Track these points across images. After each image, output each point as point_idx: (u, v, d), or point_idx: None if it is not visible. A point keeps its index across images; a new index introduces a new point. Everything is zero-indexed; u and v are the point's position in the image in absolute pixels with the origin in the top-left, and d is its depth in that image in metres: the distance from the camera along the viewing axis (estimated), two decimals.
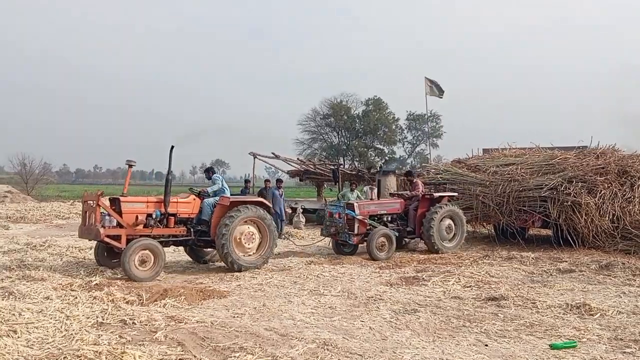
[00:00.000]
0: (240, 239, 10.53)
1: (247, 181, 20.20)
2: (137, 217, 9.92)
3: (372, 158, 67.54)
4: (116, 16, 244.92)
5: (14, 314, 6.55)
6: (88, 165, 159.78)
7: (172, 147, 10.44)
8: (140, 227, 9.99)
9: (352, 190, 16.30)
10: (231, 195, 11.26)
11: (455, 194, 14.93)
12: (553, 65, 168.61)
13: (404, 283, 9.50)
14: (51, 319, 6.53)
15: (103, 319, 6.68)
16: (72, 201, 33.38)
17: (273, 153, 24.42)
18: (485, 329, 6.58)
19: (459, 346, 5.94)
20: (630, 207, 13.98)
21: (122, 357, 5.17)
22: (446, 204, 13.62)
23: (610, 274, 10.23)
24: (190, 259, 11.80)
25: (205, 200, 10.89)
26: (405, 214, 13.84)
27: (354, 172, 25.26)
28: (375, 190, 16.54)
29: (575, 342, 6.02)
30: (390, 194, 15.85)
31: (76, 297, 7.67)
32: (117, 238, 9.77)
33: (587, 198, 13.32)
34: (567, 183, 13.64)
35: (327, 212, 13.75)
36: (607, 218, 13.57)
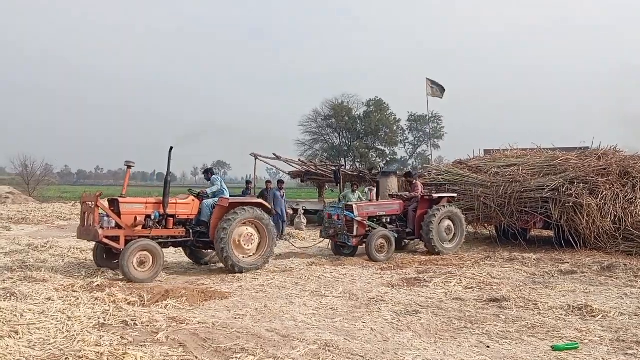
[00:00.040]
0: (239, 240, 10.52)
1: (248, 182, 20.21)
2: (135, 218, 9.91)
3: (374, 159, 67.50)
4: (116, 16, 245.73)
5: (15, 315, 6.55)
6: (89, 167, 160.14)
7: (171, 148, 10.45)
8: (139, 228, 9.98)
9: (353, 191, 16.30)
10: (231, 196, 11.27)
11: (455, 195, 14.92)
12: (553, 65, 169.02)
13: (405, 284, 9.50)
14: (53, 319, 6.53)
15: (105, 320, 6.68)
16: (73, 202, 33.38)
17: (274, 154, 24.41)
18: (487, 331, 6.57)
19: (461, 347, 5.94)
20: (632, 208, 13.97)
21: (124, 358, 5.18)
22: (445, 205, 13.60)
23: (612, 276, 10.22)
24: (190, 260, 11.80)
25: (204, 201, 10.89)
26: (405, 215, 13.82)
27: (355, 173, 25.27)
28: (374, 191, 16.51)
29: (577, 343, 6.01)
30: (389, 195, 15.83)
31: (78, 298, 7.66)
32: (115, 239, 9.75)
33: (588, 199, 13.31)
34: (569, 184, 13.62)
35: (326, 213, 13.75)
36: (608, 219, 13.55)
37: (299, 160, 28.58)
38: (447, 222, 13.54)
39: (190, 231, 10.64)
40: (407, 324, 6.91)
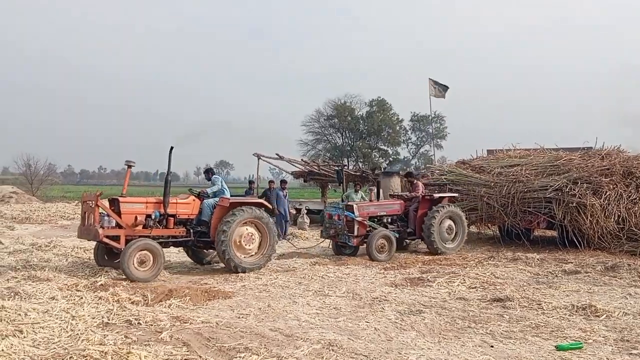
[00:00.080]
0: (240, 241, 10.51)
1: (251, 182, 20.24)
2: (136, 217, 9.91)
3: (377, 159, 67.49)
4: (116, 16, 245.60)
5: (19, 314, 6.57)
6: (92, 166, 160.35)
7: (172, 147, 10.45)
8: (140, 227, 9.98)
9: (356, 191, 16.29)
10: (232, 196, 11.27)
11: (456, 194, 14.90)
12: (553, 65, 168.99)
13: (408, 284, 9.49)
14: (57, 319, 6.54)
15: (108, 319, 6.69)
16: (76, 202, 33.44)
17: (277, 154, 24.42)
18: (490, 330, 6.57)
19: (465, 347, 5.93)
20: (636, 208, 13.96)
21: (128, 357, 5.18)
22: (446, 205, 13.57)
23: (616, 275, 10.20)
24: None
25: (205, 201, 10.89)
26: (406, 215, 13.81)
27: (358, 173, 25.27)
28: (374, 191, 16.47)
29: (581, 343, 6.00)
30: (390, 195, 15.82)
31: (82, 298, 7.68)
32: (116, 239, 9.75)
33: (592, 199, 13.29)
34: (572, 184, 13.60)
35: (326, 213, 13.74)
36: (612, 219, 13.53)
37: (302, 160, 28.61)
38: (448, 222, 13.52)
39: (191, 231, 10.62)
40: (411, 323, 6.91)
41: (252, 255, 10.75)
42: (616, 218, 13.61)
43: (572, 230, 13.58)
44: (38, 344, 5.66)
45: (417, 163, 69.07)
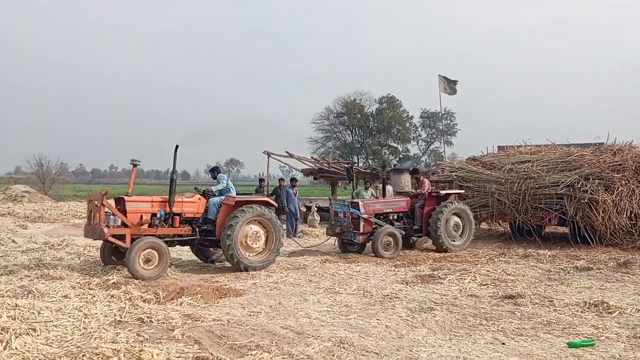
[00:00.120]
0: (246, 239, 10.49)
1: (261, 180, 20.27)
2: (141, 216, 9.93)
3: (386, 156, 67.39)
4: (116, 16, 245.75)
5: (33, 313, 6.63)
6: (104, 165, 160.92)
7: (177, 146, 10.45)
8: (145, 226, 9.99)
9: (366, 188, 16.26)
10: (239, 194, 11.28)
11: (463, 191, 14.84)
12: (557, 65, 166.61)
13: (419, 281, 9.48)
14: (70, 317, 6.59)
15: (121, 317, 6.74)
16: None
17: (287, 152, 24.45)
18: (502, 327, 6.55)
19: (476, 344, 5.92)
20: None
21: (140, 355, 5.22)
22: (453, 202, 13.51)
23: (629, 272, 10.14)
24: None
25: (210, 199, 10.89)
26: (412, 212, 13.76)
27: (368, 171, 25.24)
28: (380, 188, 16.43)
29: (594, 340, 5.97)
30: (396, 192, 15.78)
31: (94, 296, 7.73)
32: (121, 238, 9.78)
33: (604, 195, 13.21)
34: (584, 180, 13.52)
35: (332, 211, 13.73)
36: (624, 215, 13.45)
37: (312, 157, 28.57)
38: (455, 219, 13.46)
39: (197, 230, 10.63)
40: (422, 321, 6.90)
41: (258, 253, 10.74)
42: (628, 214, 13.53)
43: (584, 226, 13.51)
44: (51, 342, 5.71)
45: (427, 160, 68.92)
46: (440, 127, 65.33)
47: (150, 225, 10.09)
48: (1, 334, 5.67)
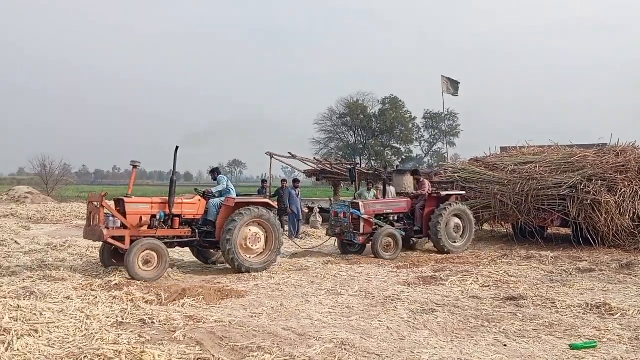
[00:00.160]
0: (245, 242, 10.46)
1: (264, 181, 20.27)
2: (141, 218, 9.91)
3: (389, 157, 67.37)
4: (116, 16, 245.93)
5: (35, 314, 6.65)
6: (107, 166, 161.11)
7: (177, 147, 10.43)
8: (145, 228, 9.97)
9: (369, 189, 16.23)
10: (240, 195, 11.27)
11: (463, 192, 14.82)
12: (558, 65, 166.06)
13: (421, 283, 9.47)
14: (72, 318, 6.61)
15: (123, 319, 6.74)
16: None
17: (290, 153, 24.45)
18: (504, 329, 6.54)
19: (478, 346, 5.92)
20: None
21: (142, 356, 5.23)
22: (454, 203, 13.47)
23: (631, 273, 10.12)
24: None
25: (210, 201, 10.88)
26: (413, 213, 13.74)
27: (370, 172, 25.23)
28: (380, 189, 16.41)
29: (596, 342, 5.96)
30: (397, 193, 15.76)
31: (96, 297, 7.74)
32: (120, 239, 9.76)
33: (607, 196, 13.17)
34: (587, 181, 13.49)
35: (332, 211, 13.72)
36: (627, 216, 13.41)
37: (314, 158, 28.58)
38: (456, 220, 13.41)
39: (197, 231, 10.61)
40: (424, 322, 6.89)
41: (259, 254, 10.72)
42: (631, 215, 13.49)
43: (587, 227, 13.47)
44: (53, 344, 5.72)
45: (430, 161, 68.88)
46: (443, 128, 65.31)
47: (149, 227, 10.06)
48: (3, 335, 5.69)
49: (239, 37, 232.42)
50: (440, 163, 32.19)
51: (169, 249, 10.09)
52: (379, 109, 70.85)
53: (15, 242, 14.60)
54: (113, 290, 8.21)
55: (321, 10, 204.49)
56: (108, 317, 6.76)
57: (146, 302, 7.66)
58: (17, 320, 6.31)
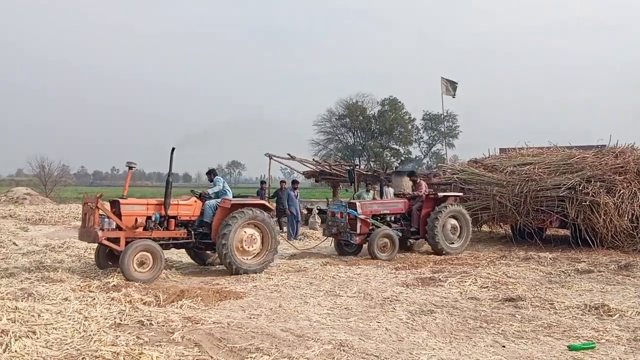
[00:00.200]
0: (241, 244, 10.43)
1: (262, 182, 20.28)
2: (136, 219, 9.88)
3: (388, 158, 67.41)
4: (116, 16, 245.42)
5: (33, 315, 6.64)
6: (106, 167, 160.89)
7: (173, 149, 10.42)
8: (140, 229, 9.94)
9: (368, 190, 16.24)
10: (236, 196, 11.26)
11: (461, 194, 14.82)
12: (558, 65, 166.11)
13: (420, 284, 9.47)
14: (70, 320, 6.60)
15: (121, 320, 6.73)
16: None
17: (289, 154, 24.46)
18: (502, 330, 6.54)
19: (476, 347, 5.91)
20: None
21: (140, 357, 5.22)
22: (451, 204, 13.45)
23: (630, 275, 10.12)
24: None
25: (206, 202, 10.84)
26: (410, 214, 13.72)
27: (369, 173, 25.24)
28: (378, 190, 16.40)
29: (594, 343, 5.96)
30: (394, 194, 15.77)
31: (94, 298, 7.74)
32: (115, 241, 9.72)
33: (605, 198, 13.18)
34: (586, 182, 13.49)
35: (329, 211, 13.70)
36: (626, 218, 13.42)
37: (313, 160, 28.60)
38: (453, 222, 13.38)
39: (192, 232, 10.59)
40: (422, 323, 6.89)
41: (255, 255, 10.69)
42: (630, 217, 13.49)
43: (585, 229, 13.48)
44: (51, 345, 5.71)
45: (429, 162, 68.95)
46: (442, 129, 65.38)
47: (145, 228, 10.03)
48: (1, 336, 5.68)
49: (239, 37, 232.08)
50: (439, 164, 32.23)
51: (164, 251, 10.07)
52: (378, 110, 71.00)
53: (14, 243, 14.58)
54: (111, 292, 8.20)
55: (321, 10, 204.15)
56: (106, 319, 6.75)
57: (144, 303, 7.65)
58: (15, 322, 6.30)
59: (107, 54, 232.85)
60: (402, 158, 67.89)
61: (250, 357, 5.43)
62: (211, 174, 11.58)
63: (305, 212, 20.60)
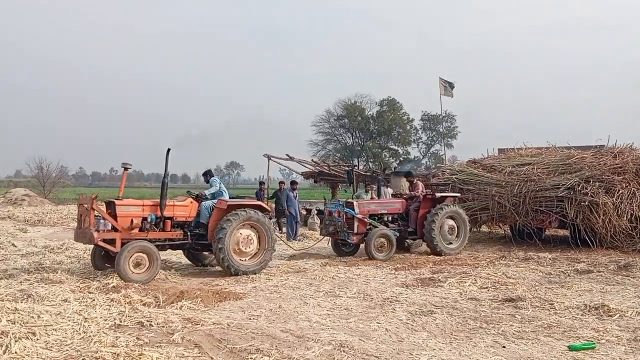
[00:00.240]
0: (238, 246, 10.41)
1: (261, 183, 20.27)
2: (132, 220, 9.86)
3: (387, 159, 67.45)
4: (116, 16, 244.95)
5: (32, 317, 6.63)
6: (104, 168, 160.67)
7: (169, 149, 10.39)
8: (136, 230, 9.91)
9: (366, 191, 16.20)
10: (233, 197, 11.24)
11: (458, 194, 14.81)
12: (558, 65, 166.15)
13: (419, 284, 9.47)
14: (69, 321, 6.59)
15: (120, 321, 6.73)
16: None
17: (287, 155, 24.42)
18: (502, 331, 6.54)
19: (476, 348, 5.91)
20: None
21: (140, 358, 5.22)
22: (448, 205, 13.43)
23: (629, 275, 10.13)
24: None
25: (203, 203, 10.81)
26: (407, 214, 13.71)
27: (368, 173, 25.23)
28: (375, 190, 16.39)
29: (594, 343, 5.96)
30: (392, 194, 15.77)
31: (94, 300, 7.74)
32: (111, 242, 9.70)
33: (604, 198, 13.19)
34: (585, 183, 13.50)
35: (326, 210, 13.69)
36: (625, 218, 13.43)
37: (312, 160, 28.59)
38: (450, 222, 13.36)
39: (189, 233, 10.56)
40: (422, 324, 6.89)
41: (253, 255, 10.67)
42: (629, 217, 13.51)
43: (585, 229, 13.49)
44: (51, 346, 5.71)
45: (428, 163, 69.01)
46: (441, 130, 65.41)
47: (141, 230, 9.99)
48: (1, 338, 5.68)
49: (239, 37, 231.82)
50: (438, 165, 32.24)
51: (161, 252, 10.06)
52: (377, 110, 71.04)
53: (13, 244, 14.56)
54: (111, 293, 8.20)
55: (321, 10, 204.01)
56: (106, 320, 6.74)
57: (144, 304, 7.65)
58: (14, 323, 6.29)
59: (107, 54, 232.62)
60: (401, 159, 67.94)
61: (251, 358, 5.43)
62: (207, 174, 11.57)
63: (304, 212, 20.60)
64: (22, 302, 7.33)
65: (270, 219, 11.50)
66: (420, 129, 73.81)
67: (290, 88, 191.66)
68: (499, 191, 14.79)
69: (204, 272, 11.02)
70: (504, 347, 5.95)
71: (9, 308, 6.85)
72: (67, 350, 5.59)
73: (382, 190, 15.02)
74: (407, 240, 13.97)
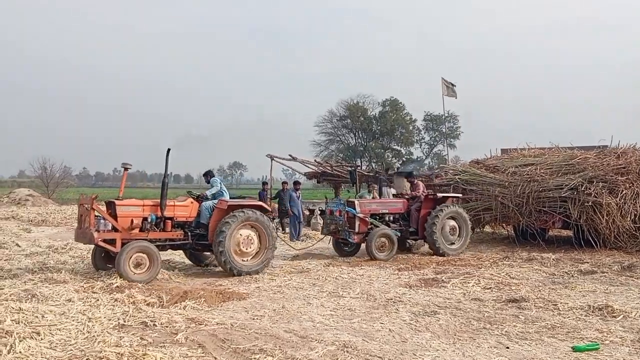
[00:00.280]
0: (239, 246, 10.40)
1: (264, 183, 20.29)
2: (132, 220, 9.86)
3: (390, 159, 67.42)
4: (116, 16, 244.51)
5: (37, 316, 6.64)
6: (107, 169, 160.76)
7: (169, 150, 10.39)
8: (136, 231, 9.90)
9: (369, 191, 16.23)
10: (234, 198, 11.25)
11: (460, 195, 14.79)
12: (558, 65, 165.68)
13: (423, 285, 9.47)
14: (73, 321, 6.60)
15: (124, 321, 6.74)
16: None
17: (290, 155, 24.45)
18: (506, 331, 6.53)
19: (480, 348, 5.91)
20: None
21: (144, 358, 5.24)
22: (450, 205, 13.42)
23: (633, 275, 10.12)
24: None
25: (203, 203, 10.81)
26: (409, 214, 13.69)
27: (371, 174, 25.22)
28: (377, 189, 16.39)
29: (598, 344, 5.95)
30: (393, 194, 15.77)
31: (98, 299, 7.74)
32: (111, 242, 9.70)
33: (608, 198, 13.17)
34: (588, 183, 13.48)
35: (328, 209, 13.69)
36: (628, 218, 13.42)
37: (315, 161, 28.59)
38: (451, 223, 13.33)
39: (189, 234, 10.56)
40: (426, 324, 6.89)
41: (254, 255, 10.66)
42: (633, 217, 13.49)
43: (588, 229, 13.47)
44: (55, 346, 5.72)
45: (431, 163, 68.93)
46: (444, 130, 65.35)
47: (141, 230, 9.99)
48: (5, 337, 5.70)
49: (239, 37, 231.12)
50: (441, 165, 32.20)
51: (161, 252, 10.07)
52: (379, 111, 71.03)
53: (17, 244, 14.59)
54: (114, 293, 8.21)
55: (321, 10, 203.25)
56: (110, 320, 6.76)
57: (148, 304, 7.66)
58: (19, 323, 6.31)
59: (107, 54, 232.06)
60: (404, 159, 67.91)
61: (254, 358, 5.44)
62: (208, 175, 11.58)
63: (307, 213, 20.60)
64: (26, 302, 7.35)
65: (273, 219, 11.49)
66: (423, 129, 73.79)
67: (291, 88, 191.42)
68: (502, 191, 14.77)
69: (207, 272, 11.03)
70: (507, 347, 5.94)
71: (13, 308, 6.87)
72: (71, 350, 5.60)
73: (384, 190, 15.02)
74: (409, 241, 13.97)
